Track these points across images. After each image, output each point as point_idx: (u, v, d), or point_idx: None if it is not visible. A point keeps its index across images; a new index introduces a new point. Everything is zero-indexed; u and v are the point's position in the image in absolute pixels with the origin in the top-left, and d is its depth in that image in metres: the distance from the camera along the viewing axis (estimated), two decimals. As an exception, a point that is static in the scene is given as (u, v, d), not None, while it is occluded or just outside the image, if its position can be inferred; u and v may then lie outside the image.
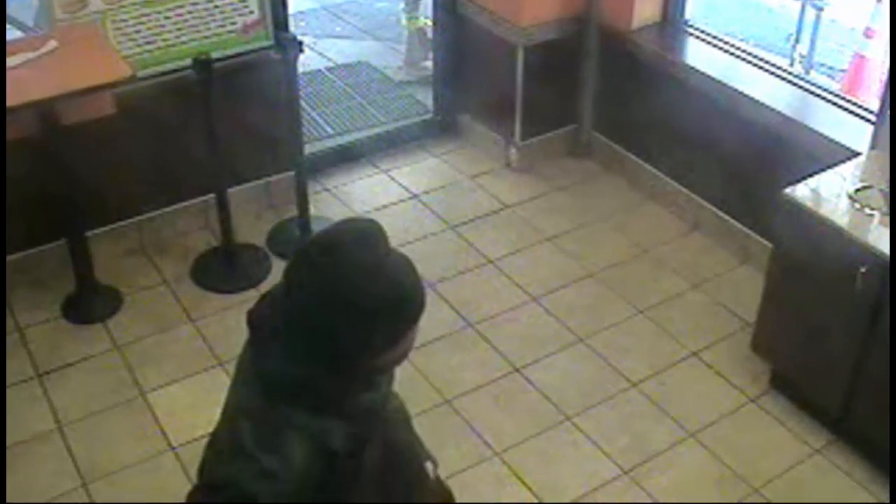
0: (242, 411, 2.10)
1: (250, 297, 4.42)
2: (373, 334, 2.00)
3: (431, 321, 4.42)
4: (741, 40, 5.36)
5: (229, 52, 4.69)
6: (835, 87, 4.63)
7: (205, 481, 2.19)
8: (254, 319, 2.13)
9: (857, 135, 4.24)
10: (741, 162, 4.81)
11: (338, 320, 1.96)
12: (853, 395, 3.84)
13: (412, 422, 2.44)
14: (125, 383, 4.22)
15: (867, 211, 3.70)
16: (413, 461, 2.37)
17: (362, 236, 2.03)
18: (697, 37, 5.13)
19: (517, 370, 4.33)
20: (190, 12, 4.54)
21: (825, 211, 3.73)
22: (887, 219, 3.66)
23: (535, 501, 3.76)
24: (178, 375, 4.26)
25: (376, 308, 1.97)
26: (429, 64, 6.32)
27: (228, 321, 4.46)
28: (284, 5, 4.83)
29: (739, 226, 4.92)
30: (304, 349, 2.01)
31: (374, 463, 2.12)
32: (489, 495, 3.78)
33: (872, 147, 4.09)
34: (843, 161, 4.05)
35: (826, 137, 4.28)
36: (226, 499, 2.05)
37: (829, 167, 4.01)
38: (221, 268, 4.85)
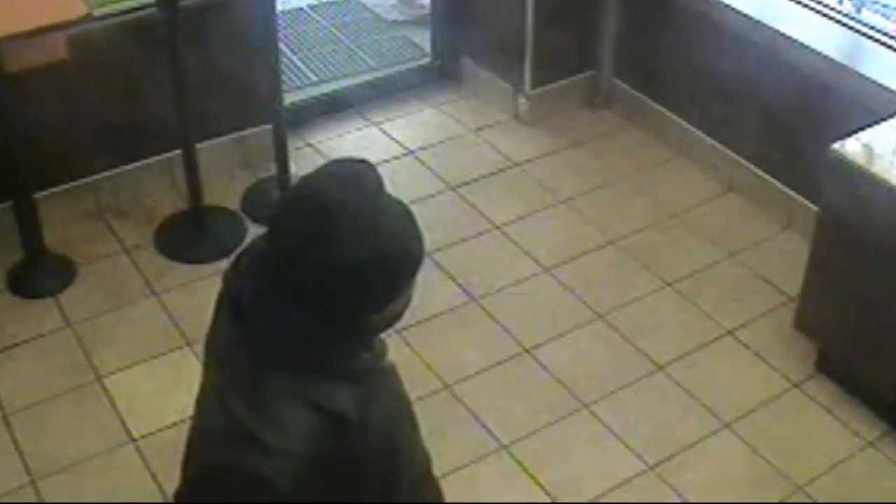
0: (230, 390, 2.09)
1: (222, 267, 4.38)
2: (368, 290, 2.01)
3: (430, 295, 4.44)
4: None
5: (198, -14, 4.66)
6: (890, 27, 4.58)
7: (198, 474, 2.16)
8: (232, 284, 2.15)
9: (917, 82, 4.21)
10: (783, 113, 4.77)
11: (330, 279, 1.97)
12: (911, 379, 3.83)
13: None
14: (79, 366, 4.20)
15: (928, 169, 3.68)
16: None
17: (354, 180, 2.05)
18: (733, -30, 5.09)
19: (527, 351, 4.31)
20: (152, -59, 4.51)
21: (879, 169, 3.70)
22: (951, 178, 3.63)
23: (548, 501, 3.75)
24: (140, 357, 4.24)
25: (371, 262, 1.98)
26: (426, 1, 6.27)
27: (197, 295, 4.44)
28: (260, -67, 4.79)
29: (781, 186, 4.90)
30: (296, 311, 2.01)
31: (381, 422, 2.12)
32: (495, 493, 3.77)
33: (934, 96, 4.07)
34: (899, 112, 4.03)
35: (880, 85, 4.25)
36: (233, 488, 2.04)
37: (884, 119, 3.98)
38: (189, 234, 4.83)
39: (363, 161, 2.09)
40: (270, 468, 1.98)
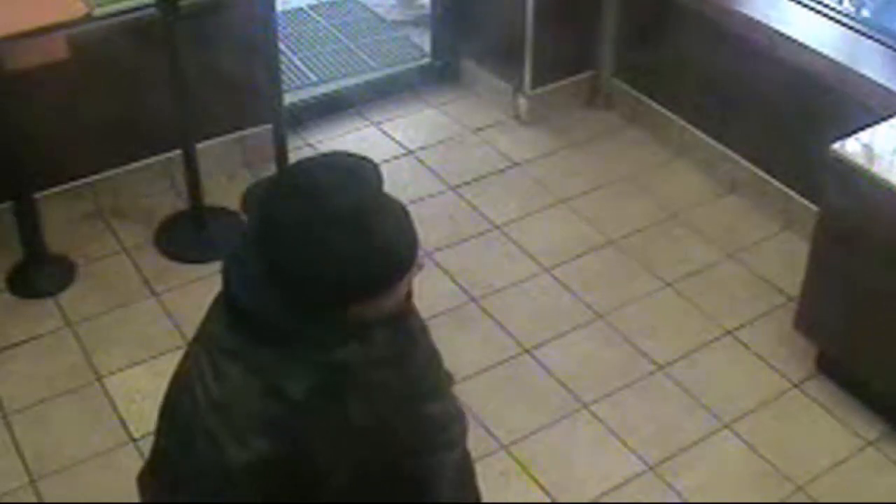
0: (201, 340, 2.18)
1: (222, 267, 4.38)
2: (345, 285, 1.99)
3: (429, 295, 4.42)
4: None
5: (198, -14, 4.65)
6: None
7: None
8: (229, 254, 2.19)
9: (917, 82, 4.20)
10: (783, 113, 4.77)
11: (305, 265, 1.97)
12: (911, 379, 3.82)
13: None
14: (79, 366, 4.19)
15: (928, 169, 3.67)
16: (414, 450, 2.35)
17: (353, 176, 2.02)
18: (733, -30, 5.09)
19: (527, 351, 4.31)
20: (152, -59, 4.50)
21: (879, 169, 3.69)
22: (951, 178, 3.62)
23: (548, 501, 3.74)
24: (140, 357, 4.23)
25: (349, 259, 1.96)
26: (426, 1, 6.27)
27: (197, 295, 4.41)
28: (260, -67, 4.78)
29: (781, 186, 4.89)
30: (274, 286, 2.02)
31: (346, 427, 2.07)
32: (495, 494, 3.73)
33: (934, 96, 4.06)
34: (899, 112, 4.02)
35: (880, 85, 4.23)
36: (174, 437, 2.19)
37: (884, 119, 3.97)
38: (189, 234, 4.82)
39: (365, 158, 2.08)
40: (203, 420, 2.12)
